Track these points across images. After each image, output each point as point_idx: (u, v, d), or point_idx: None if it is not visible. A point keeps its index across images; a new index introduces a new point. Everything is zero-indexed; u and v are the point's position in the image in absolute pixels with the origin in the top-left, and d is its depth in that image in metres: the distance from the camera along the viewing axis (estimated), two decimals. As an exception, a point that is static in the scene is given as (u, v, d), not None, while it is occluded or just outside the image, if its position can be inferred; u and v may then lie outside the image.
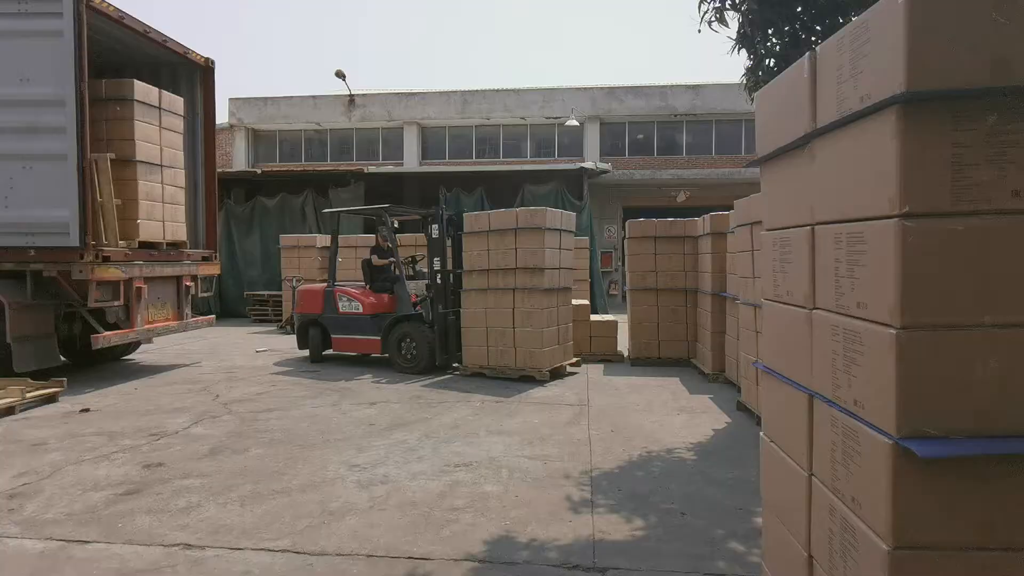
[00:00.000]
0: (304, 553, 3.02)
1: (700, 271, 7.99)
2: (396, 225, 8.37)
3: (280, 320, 12.93)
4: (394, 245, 8.32)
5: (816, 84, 1.69)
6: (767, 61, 5.55)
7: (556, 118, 20.64)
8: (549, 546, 3.11)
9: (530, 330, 7.16)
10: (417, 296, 8.03)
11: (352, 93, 21.24)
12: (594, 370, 8.02)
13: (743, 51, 5.58)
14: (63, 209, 6.51)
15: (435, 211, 7.86)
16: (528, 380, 7.16)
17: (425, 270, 8.40)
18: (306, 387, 6.94)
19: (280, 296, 13.40)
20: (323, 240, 13.18)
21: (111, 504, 3.62)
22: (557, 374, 7.44)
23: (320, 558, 2.98)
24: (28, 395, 5.95)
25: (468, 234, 7.62)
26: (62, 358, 7.65)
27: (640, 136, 21.19)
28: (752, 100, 6.35)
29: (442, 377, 7.52)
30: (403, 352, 7.86)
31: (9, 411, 5.68)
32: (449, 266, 7.87)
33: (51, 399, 6.16)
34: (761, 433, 2.17)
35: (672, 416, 5.71)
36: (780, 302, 2.00)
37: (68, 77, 6.44)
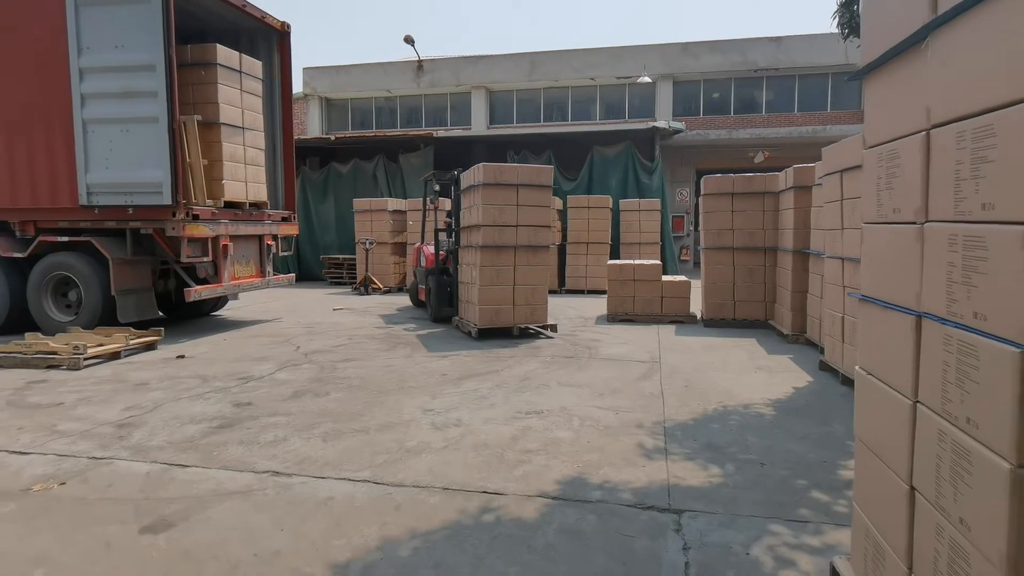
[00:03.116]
0: (383, 484, 3.13)
1: (781, 228, 7.62)
2: (437, 188, 8.95)
3: (354, 282, 13.35)
4: (435, 207, 9.36)
5: (938, -32, 1.51)
6: (863, -6, 5.13)
7: (626, 77, 20.02)
8: (622, 488, 3.09)
9: (488, 287, 7.24)
10: (445, 253, 8.79)
11: (421, 59, 21.33)
12: (665, 331, 7.85)
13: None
14: (157, 169, 6.89)
15: (452, 176, 8.51)
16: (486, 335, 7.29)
17: None
18: (380, 340, 7.16)
19: (354, 259, 13.82)
20: (394, 204, 13.45)
21: (206, 436, 3.87)
22: (525, 333, 7.47)
23: (398, 488, 3.08)
24: (131, 342, 6.43)
25: (463, 194, 7.99)
26: (159, 312, 8.21)
27: (716, 95, 20.27)
28: (846, 38, 5.92)
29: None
30: (427, 302, 8.88)
31: (115, 356, 6.16)
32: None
33: (151, 347, 6.63)
34: (857, 367, 2.04)
35: (749, 374, 5.52)
36: (884, 222, 1.85)
37: (157, 42, 6.75)
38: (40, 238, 7.26)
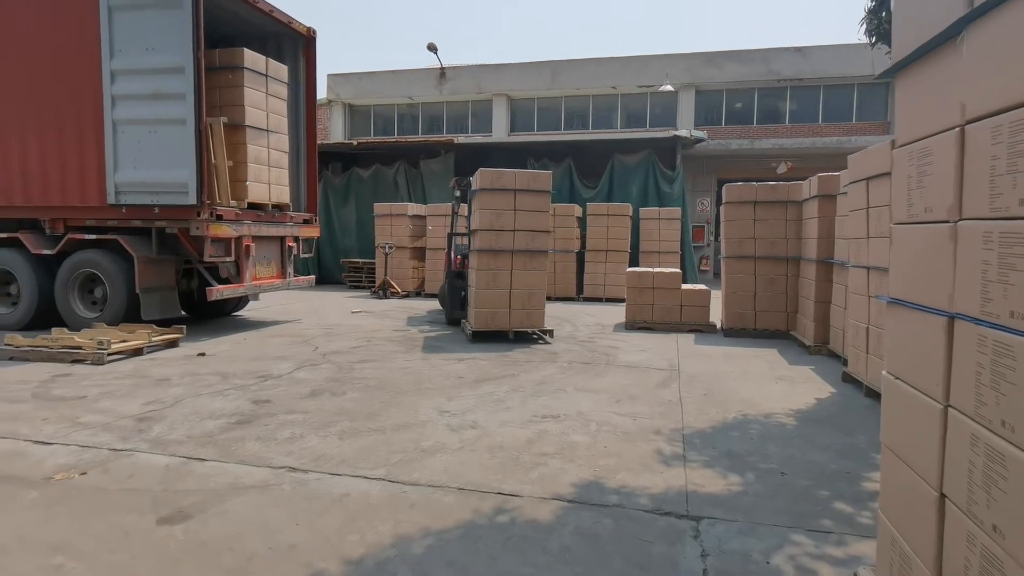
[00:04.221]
0: (398, 482, 3.13)
1: (804, 237, 7.52)
2: (458, 194, 8.94)
3: (373, 285, 13.43)
4: (457, 212, 9.22)
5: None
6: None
7: (648, 86, 19.99)
8: (640, 493, 3.04)
9: (486, 291, 7.23)
10: (461, 258, 8.81)
11: (443, 66, 21.50)
12: (684, 339, 7.77)
13: (864, -10, 5.11)
14: (183, 170, 7.01)
15: (467, 182, 8.50)
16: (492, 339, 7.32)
17: None
18: (398, 343, 7.18)
19: (373, 263, 13.90)
20: (414, 209, 13.53)
21: (225, 431, 3.90)
22: (521, 337, 7.42)
23: (414, 487, 3.07)
24: (154, 339, 6.52)
25: (471, 199, 7.98)
26: (181, 311, 8.33)
27: (739, 104, 20.14)
28: (873, 45, 5.84)
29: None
30: (443, 306, 9.01)
31: (138, 352, 6.25)
32: None
33: (173, 344, 6.72)
34: (884, 372, 1.99)
35: (770, 384, 5.43)
36: (915, 222, 1.81)
37: (187, 46, 6.88)
38: (69, 236, 7.42)
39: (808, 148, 17.34)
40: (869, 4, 5.12)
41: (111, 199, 7.19)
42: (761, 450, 3.71)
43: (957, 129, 1.57)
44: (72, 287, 7.52)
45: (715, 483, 3.19)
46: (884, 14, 4.94)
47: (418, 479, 3.17)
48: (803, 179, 7.96)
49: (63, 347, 5.99)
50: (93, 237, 7.37)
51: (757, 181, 8.34)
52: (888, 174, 4.50)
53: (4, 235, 7.63)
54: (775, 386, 5.35)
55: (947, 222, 1.61)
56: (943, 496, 1.60)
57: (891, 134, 17.31)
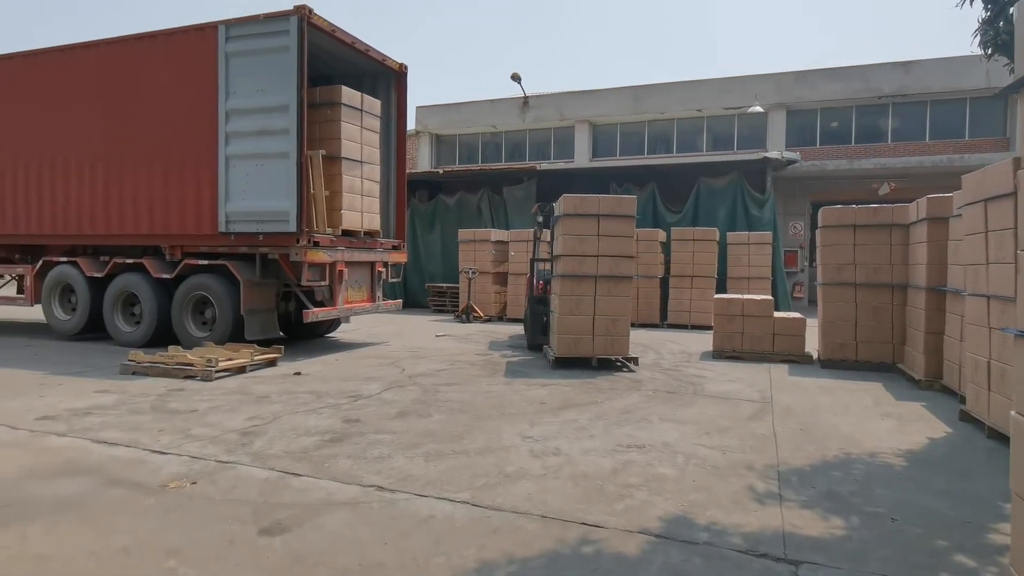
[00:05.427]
0: (481, 507, 3.14)
1: (912, 263, 7.01)
2: (540, 219, 9.01)
3: (456, 310, 13.72)
4: (539, 238, 9.27)
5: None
6: (1009, 9, 4.71)
7: (736, 108, 19.49)
8: (732, 532, 2.90)
9: (569, 317, 7.14)
10: (543, 283, 8.84)
11: (527, 95, 21.94)
12: (777, 370, 7.39)
13: (977, 1, 4.80)
14: (285, 200, 7.51)
15: (550, 207, 8.61)
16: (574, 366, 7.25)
17: None
18: (481, 367, 7.27)
19: (457, 288, 14.22)
20: (497, 235, 13.77)
21: (319, 448, 4.08)
22: (605, 364, 7.30)
23: (497, 513, 3.07)
24: (256, 358, 6.95)
25: (554, 225, 7.98)
26: (280, 332, 8.84)
27: (834, 124, 19.23)
28: (989, 57, 5.42)
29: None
30: (526, 331, 9.00)
31: (241, 370, 6.68)
32: None
33: (272, 363, 7.14)
34: (1013, 412, 1.81)
35: (875, 421, 5.05)
36: (1047, 249, 1.65)
37: (291, 86, 7.43)
38: (185, 261, 8.10)
39: (914, 167, 16.23)
40: (983, 15, 4.78)
41: (222, 227, 7.81)
42: (866, 492, 3.44)
43: (1097, 147, 1.43)
44: (186, 308, 8.17)
45: (815, 525, 2.99)
46: (1001, 24, 4.60)
47: (501, 504, 3.18)
48: (907, 201, 7.45)
49: (177, 364, 6.50)
50: (205, 262, 8.01)
51: (855, 203, 7.89)
52: (1012, 195, 4.13)
53: (131, 260, 8.43)
54: (881, 423, 4.97)
55: (1088, 249, 1.46)
56: (1091, 556, 1.42)
57: (1013, 151, 15.90)
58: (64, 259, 8.87)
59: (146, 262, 8.26)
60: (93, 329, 8.74)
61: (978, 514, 3.15)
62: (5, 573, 2.46)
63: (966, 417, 5.00)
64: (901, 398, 5.93)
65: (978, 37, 5.00)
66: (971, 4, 4.74)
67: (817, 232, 7.96)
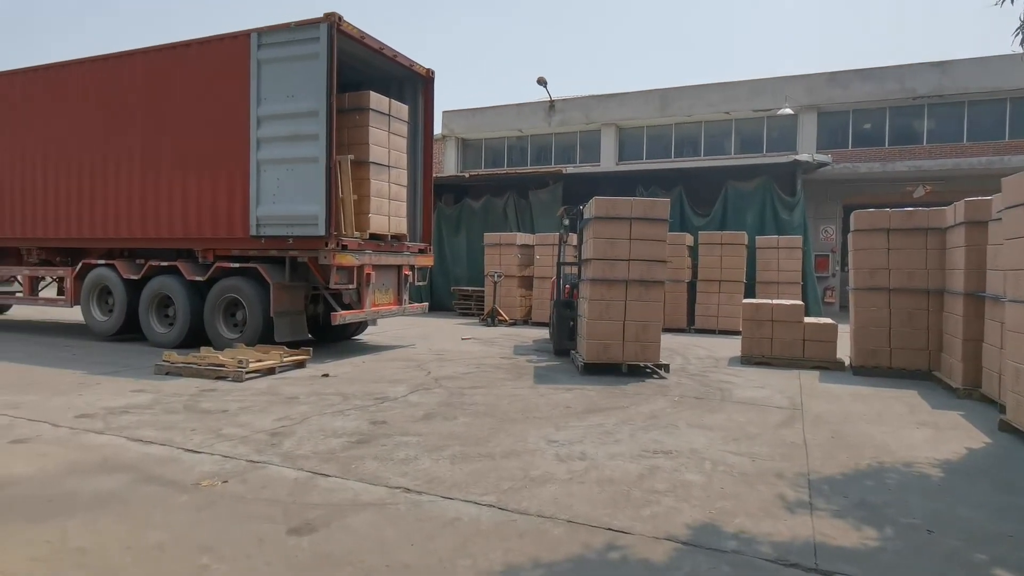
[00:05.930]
0: (507, 510, 3.15)
1: (949, 268, 6.83)
2: (566, 223, 8.98)
3: (482, 313, 13.76)
4: (565, 242, 9.20)
5: None
6: (1053, 7, 4.57)
7: (765, 110, 19.22)
8: (761, 540, 2.85)
9: (598, 322, 7.07)
10: (570, 287, 8.86)
11: (552, 99, 21.94)
12: (808, 376, 7.25)
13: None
14: (314, 204, 7.63)
15: (577, 211, 8.58)
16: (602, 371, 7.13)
17: None
18: (506, 370, 7.28)
19: (482, 292, 14.26)
20: (523, 238, 13.78)
21: (346, 449, 4.13)
22: (635, 371, 7.18)
23: (523, 516, 3.08)
24: (285, 359, 7.07)
25: (583, 228, 7.96)
26: (308, 334, 8.97)
27: (867, 125, 18.83)
28: (1030, 56, 5.25)
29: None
30: (550, 334, 9.05)
31: (270, 371, 6.80)
32: None
33: (300, 364, 7.25)
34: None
35: (910, 429, 4.93)
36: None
37: (321, 92, 7.55)
38: (217, 264, 8.27)
39: (952, 169, 15.79)
40: (1023, 14, 4.65)
41: (253, 231, 7.96)
42: (901, 502, 3.36)
43: None
44: (218, 310, 8.34)
45: (848, 536, 2.92)
46: (1044, 22, 4.47)
47: (527, 508, 3.18)
48: (944, 204, 7.25)
49: (209, 365, 6.64)
50: (236, 265, 8.17)
51: (889, 206, 7.71)
52: (1053, 198, 4.00)
53: (165, 263, 8.65)
54: (916, 432, 4.85)
55: None
56: None
57: (1054, 152, 15.38)
58: (102, 262, 9.14)
59: (180, 265, 8.46)
60: (129, 330, 8.98)
61: (1020, 527, 3.05)
62: (47, 566, 2.54)
63: (1006, 427, 4.84)
64: (937, 406, 5.77)
65: (1019, 36, 4.84)
66: (1012, 2, 4.62)
67: (849, 236, 7.80)
